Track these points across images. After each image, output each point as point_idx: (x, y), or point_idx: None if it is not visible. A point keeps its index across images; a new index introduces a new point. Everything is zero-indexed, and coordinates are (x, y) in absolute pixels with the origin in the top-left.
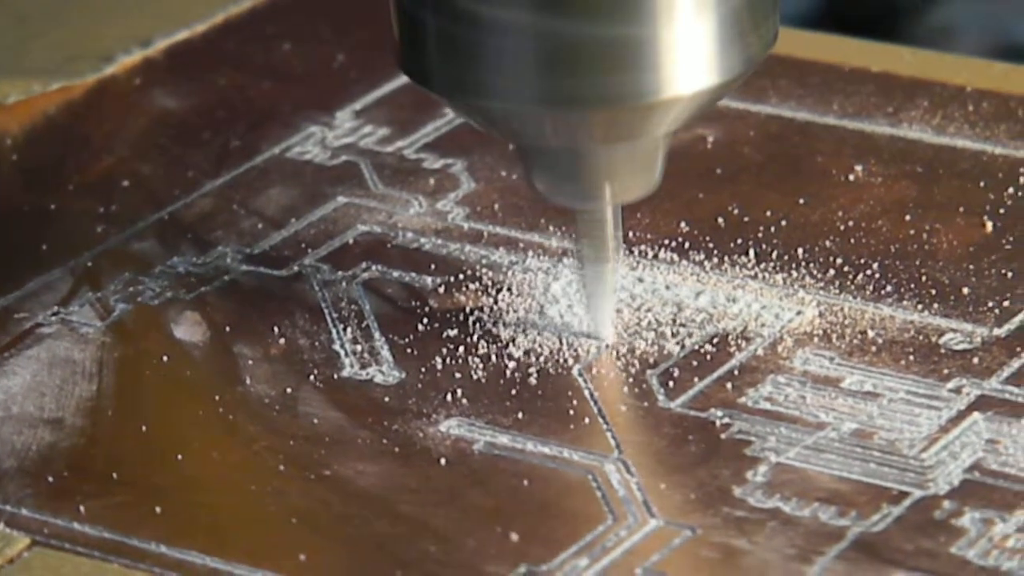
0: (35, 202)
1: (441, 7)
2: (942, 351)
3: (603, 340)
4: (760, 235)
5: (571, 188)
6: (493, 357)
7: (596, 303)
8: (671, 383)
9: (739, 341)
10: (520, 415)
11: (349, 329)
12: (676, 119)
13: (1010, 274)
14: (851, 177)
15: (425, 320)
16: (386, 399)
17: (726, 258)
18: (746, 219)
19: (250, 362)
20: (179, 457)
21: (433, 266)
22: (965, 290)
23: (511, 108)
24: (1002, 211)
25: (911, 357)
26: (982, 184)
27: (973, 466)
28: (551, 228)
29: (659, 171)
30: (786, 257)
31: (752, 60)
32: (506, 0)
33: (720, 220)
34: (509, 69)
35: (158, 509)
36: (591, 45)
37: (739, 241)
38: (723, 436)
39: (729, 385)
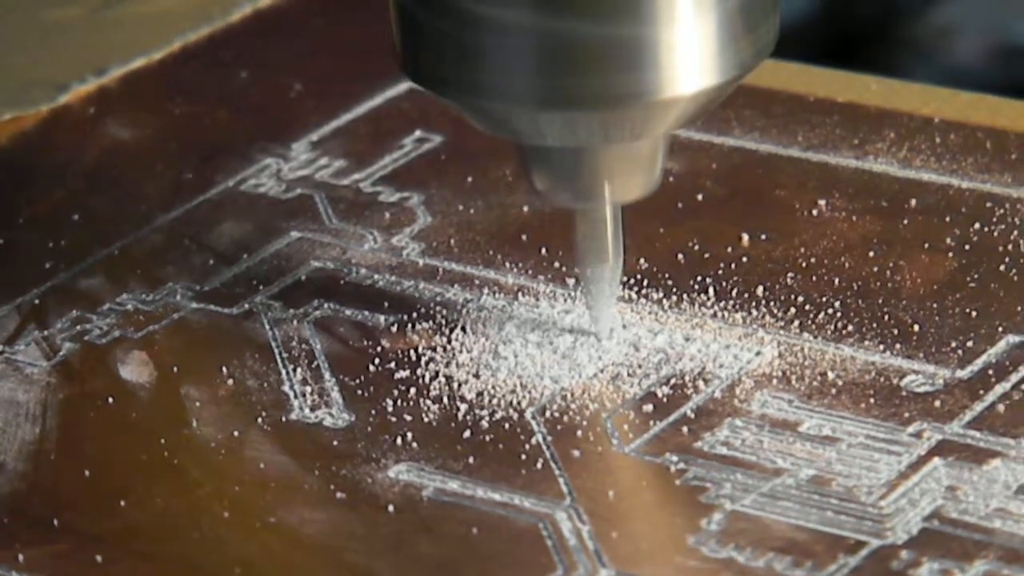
0: None
1: (442, 7)
2: (903, 393)
3: (603, 340)
4: (720, 272)
5: (571, 187)
6: (445, 399)
7: (596, 303)
8: (626, 427)
9: (696, 383)
10: (471, 460)
11: (299, 369)
12: (677, 119)
13: (975, 313)
14: (815, 212)
15: (377, 360)
16: (335, 443)
17: (685, 296)
18: (706, 255)
19: (197, 404)
20: (122, 503)
21: (386, 304)
22: (929, 330)
23: (511, 108)
24: (967, 247)
25: (871, 400)
26: (948, 219)
27: (932, 514)
28: (507, 264)
29: (659, 171)
30: (746, 295)
31: (752, 60)
32: (507, 0)
33: (680, 256)
34: (510, 69)
35: (99, 558)
36: (592, 45)
37: (699, 278)
38: (678, 482)
39: (685, 429)
